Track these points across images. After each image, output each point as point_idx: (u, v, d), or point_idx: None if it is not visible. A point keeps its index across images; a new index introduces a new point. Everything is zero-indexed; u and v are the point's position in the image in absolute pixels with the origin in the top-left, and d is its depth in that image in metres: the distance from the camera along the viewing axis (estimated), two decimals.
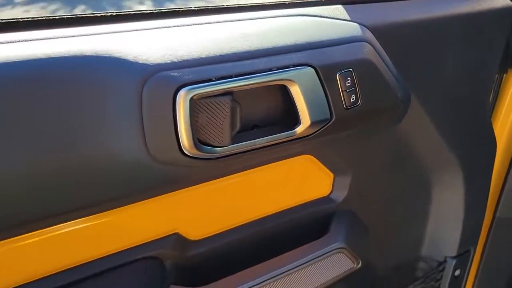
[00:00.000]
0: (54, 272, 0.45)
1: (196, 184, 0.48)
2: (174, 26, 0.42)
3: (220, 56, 0.40)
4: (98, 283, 0.47)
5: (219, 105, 0.40)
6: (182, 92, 0.38)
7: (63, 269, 0.46)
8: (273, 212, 0.59)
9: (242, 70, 0.41)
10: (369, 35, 0.50)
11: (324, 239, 0.60)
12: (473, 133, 0.70)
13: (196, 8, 0.44)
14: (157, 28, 0.41)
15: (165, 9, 0.43)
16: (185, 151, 0.40)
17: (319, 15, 0.49)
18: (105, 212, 0.45)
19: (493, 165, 0.77)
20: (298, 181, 0.60)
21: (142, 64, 0.38)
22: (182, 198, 0.50)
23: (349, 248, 0.60)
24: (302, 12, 0.49)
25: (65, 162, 0.38)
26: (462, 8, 0.61)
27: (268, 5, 0.49)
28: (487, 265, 0.94)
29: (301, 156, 0.58)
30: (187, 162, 0.41)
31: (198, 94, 0.39)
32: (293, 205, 0.61)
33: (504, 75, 0.78)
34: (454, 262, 0.79)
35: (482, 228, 0.91)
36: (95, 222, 0.45)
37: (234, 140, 0.43)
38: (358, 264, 0.63)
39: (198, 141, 0.41)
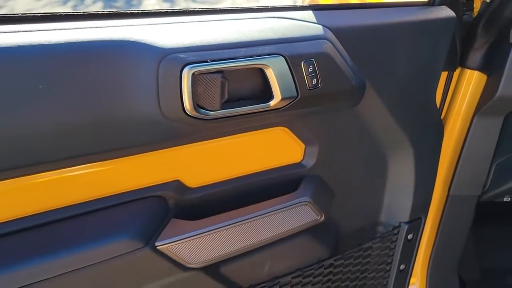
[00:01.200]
0: (85, 201, 0.61)
1: (194, 141, 0.65)
2: (181, 22, 0.59)
3: (215, 45, 0.57)
4: (115, 212, 0.63)
5: (212, 80, 0.57)
6: (186, 69, 0.54)
7: (90, 199, 0.62)
8: (254, 171, 0.75)
9: (230, 56, 0.57)
10: (330, 35, 0.66)
11: (293, 194, 0.76)
12: (421, 117, 0.86)
13: (199, 9, 0.61)
14: (170, 23, 0.58)
15: (176, 9, 0.60)
16: (187, 112, 0.56)
17: (293, 18, 0.65)
18: (122, 158, 0.61)
19: (440, 145, 0.93)
20: (275, 148, 0.76)
21: (159, 47, 0.54)
22: (182, 153, 0.67)
23: (313, 203, 0.76)
24: (280, 15, 0.65)
25: (100, 115, 0.54)
26: (411, 17, 0.77)
27: (254, 8, 0.65)
28: (443, 236, 1.09)
29: (278, 127, 0.74)
30: (188, 120, 0.57)
31: (198, 70, 0.55)
32: (271, 167, 0.77)
33: (453, 72, 0.95)
34: (407, 227, 0.95)
35: (439, 203, 1.07)
36: (114, 166, 0.61)
37: (223, 107, 0.59)
38: (321, 217, 0.79)
39: (197, 105, 0.57)
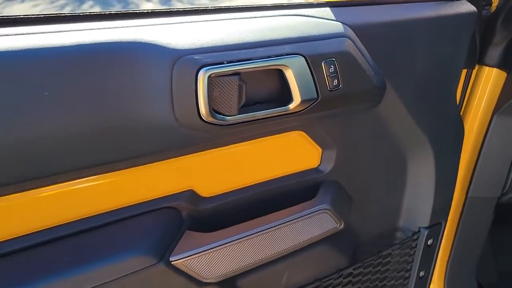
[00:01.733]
0: (95, 214, 0.57)
1: (209, 148, 0.60)
2: (195, 22, 0.55)
3: (231, 45, 0.53)
4: (126, 226, 0.59)
5: (229, 83, 0.53)
6: (202, 71, 0.50)
7: (98, 213, 0.58)
8: (271, 178, 0.71)
9: (247, 56, 0.53)
10: (351, 32, 0.63)
11: (312, 201, 0.72)
12: (442, 117, 0.82)
13: (212, 8, 0.57)
14: (182, 22, 0.54)
15: (189, 8, 0.56)
16: (202, 117, 0.52)
17: (310, 15, 0.61)
18: (134, 168, 0.57)
19: (461, 146, 0.89)
20: (292, 153, 0.72)
21: (173, 49, 0.50)
22: (195, 161, 0.63)
23: (333, 210, 0.72)
24: (296, 12, 0.61)
25: (111, 122, 0.50)
26: (431, 13, 0.73)
27: (269, 6, 0.61)
28: (461, 240, 1.06)
29: (294, 131, 0.70)
30: (203, 126, 0.53)
31: (215, 73, 0.51)
32: (287, 173, 0.73)
33: (473, 70, 0.91)
34: (426, 232, 0.91)
35: (457, 206, 1.03)
36: (125, 176, 0.57)
37: (240, 111, 0.55)
38: (341, 225, 0.75)
39: (213, 110, 0.53)
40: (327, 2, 0.67)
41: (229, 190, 0.68)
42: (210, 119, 0.53)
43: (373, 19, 0.67)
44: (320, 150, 0.74)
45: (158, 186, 0.61)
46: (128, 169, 0.57)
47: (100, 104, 0.48)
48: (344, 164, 0.76)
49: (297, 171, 0.74)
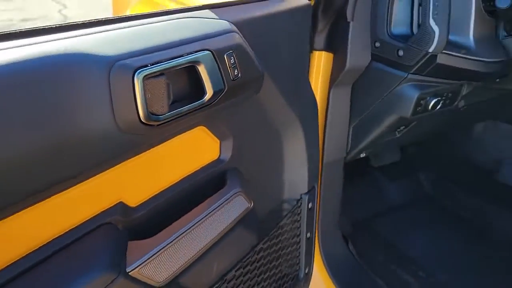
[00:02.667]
0: (24, 253, 0.52)
1: (145, 150, 0.61)
2: (119, 29, 0.55)
3: (154, 47, 0.55)
4: (74, 249, 0.56)
5: (159, 83, 0.55)
6: (137, 74, 0.51)
7: (32, 249, 0.53)
8: (185, 175, 0.74)
9: (168, 56, 0.56)
10: (235, 28, 0.71)
11: (224, 188, 0.78)
12: (302, 97, 0.97)
13: (129, 16, 0.59)
14: (108, 30, 0.54)
15: (111, 17, 0.56)
16: (142, 120, 0.53)
17: (203, 16, 0.68)
18: (65, 191, 0.54)
19: (317, 119, 1.06)
20: (197, 148, 0.76)
21: (106, 56, 0.50)
22: (121, 172, 0.62)
23: (243, 191, 0.80)
24: (193, 15, 0.66)
25: (50, 142, 0.47)
26: (279, 7, 0.86)
27: (169, 11, 0.65)
28: (323, 200, 1.24)
29: (197, 127, 0.74)
30: (143, 129, 0.54)
31: (147, 75, 0.53)
32: (198, 168, 0.77)
33: (310, 54, 1.09)
34: (307, 197, 1.06)
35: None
36: (59, 201, 0.54)
37: (170, 109, 0.58)
38: (251, 204, 0.82)
39: (149, 112, 0.55)
40: (207, 4, 0.74)
41: (153, 195, 0.68)
42: (148, 121, 0.54)
43: (243, 16, 0.77)
44: (219, 141, 0.81)
45: (90, 204, 0.59)
46: (59, 194, 0.54)
47: (37, 122, 0.45)
48: (239, 150, 0.84)
49: (204, 165, 0.78)
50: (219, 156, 0.81)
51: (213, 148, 0.80)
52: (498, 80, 1.12)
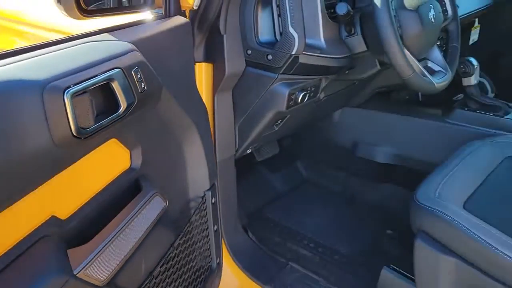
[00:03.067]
0: None
1: (71, 164, 0.66)
2: (42, 54, 0.60)
3: (76, 68, 0.62)
4: (13, 271, 0.59)
5: (83, 100, 0.62)
6: (66, 93, 0.58)
7: None
8: (105, 185, 0.81)
9: (90, 75, 0.64)
10: (134, 47, 0.80)
11: (142, 192, 0.86)
12: (195, 105, 1.09)
13: (50, 41, 0.64)
14: (37, 56, 0.59)
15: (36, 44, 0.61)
16: (74, 134, 0.60)
17: (106, 39, 0.75)
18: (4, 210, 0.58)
19: (209, 124, 1.19)
20: (112, 159, 0.83)
21: (37, 80, 0.56)
22: (51, 186, 0.67)
23: (159, 191, 0.88)
24: (99, 38, 0.74)
25: None
26: (160, 28, 0.96)
27: (77, 36, 0.71)
28: (223, 196, 1.37)
29: (111, 140, 0.81)
30: (75, 143, 0.61)
31: (75, 93, 0.60)
32: (115, 177, 0.84)
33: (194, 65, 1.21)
34: (209, 193, 1.17)
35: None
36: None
37: (95, 121, 0.65)
38: (167, 202, 0.91)
39: (79, 127, 0.61)
40: (102, 29, 0.81)
41: (81, 206, 0.74)
42: (79, 135, 0.61)
43: (136, 37, 0.86)
44: (129, 151, 0.88)
45: (27, 221, 0.63)
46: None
47: None
48: (147, 157, 0.92)
49: (120, 174, 0.85)
50: (131, 165, 0.89)
51: (125, 157, 0.87)
52: (347, 72, 1.37)
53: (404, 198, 1.69)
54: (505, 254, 0.96)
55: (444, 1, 1.37)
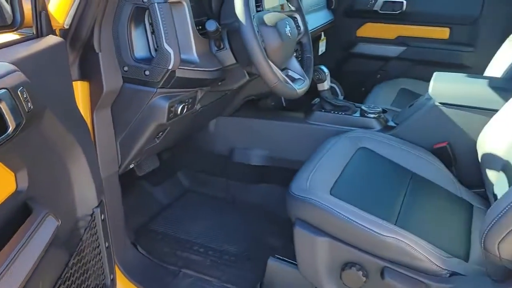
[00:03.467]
0: None
1: None
2: None
3: None
4: None
5: None
6: None
7: None
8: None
9: None
10: (16, 67, 0.79)
11: (33, 214, 0.85)
12: (77, 123, 1.08)
13: None
14: None
15: None
16: None
17: None
18: None
19: (92, 141, 1.19)
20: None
21: None
22: None
23: (51, 210, 0.88)
24: None
25: None
26: (33, 48, 0.95)
27: None
28: (110, 211, 1.35)
29: None
30: None
31: None
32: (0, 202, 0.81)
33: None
34: (98, 210, 1.17)
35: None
36: None
37: None
38: (59, 221, 0.91)
39: None
40: None
41: None
42: None
43: (15, 57, 0.85)
44: (14, 174, 0.86)
45: None
46: None
47: None
48: (34, 178, 0.91)
49: (6, 198, 0.83)
50: (17, 188, 0.87)
51: (10, 181, 0.85)
52: (220, 83, 1.48)
53: (279, 195, 1.87)
54: (369, 229, 1.15)
55: (296, 18, 1.57)
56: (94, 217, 1.15)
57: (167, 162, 1.97)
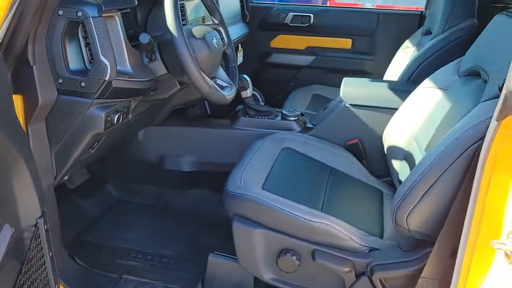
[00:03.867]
0: None
1: None
2: None
3: None
4: None
5: None
6: None
7: None
8: None
9: None
10: None
11: None
12: (18, 136, 1.10)
13: None
14: None
15: None
16: None
17: None
18: None
19: (31, 152, 1.20)
20: None
21: None
22: None
23: (3, 220, 0.90)
24: None
25: None
26: None
27: None
28: (50, 223, 1.36)
29: None
30: None
31: None
32: None
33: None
34: (41, 220, 1.18)
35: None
36: None
37: None
38: (13, 229, 0.93)
39: None
40: None
41: None
42: None
43: None
44: None
45: None
46: None
47: None
48: None
49: None
50: None
51: None
52: (152, 93, 1.55)
53: (211, 198, 1.97)
54: (300, 216, 1.30)
55: (220, 31, 1.69)
56: (38, 227, 1.16)
57: (96, 174, 1.98)
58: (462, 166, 1.06)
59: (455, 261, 1.03)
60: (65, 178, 1.48)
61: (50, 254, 1.21)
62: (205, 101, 2.16)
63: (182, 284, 1.54)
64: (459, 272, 1.02)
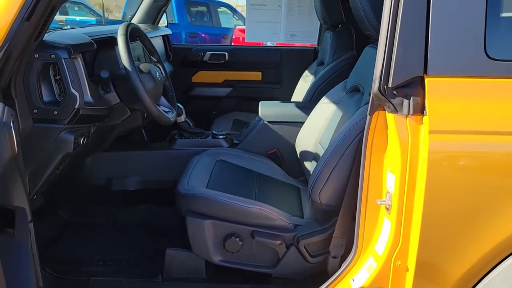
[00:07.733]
0: None
1: None
2: None
3: None
4: None
5: None
6: None
7: None
8: None
9: None
10: None
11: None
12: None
13: None
14: None
15: None
16: None
17: None
18: None
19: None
20: None
21: None
22: None
23: None
24: None
25: None
26: None
27: None
28: None
29: None
30: None
31: None
32: None
33: None
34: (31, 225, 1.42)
35: None
36: None
37: None
38: None
39: None
40: None
41: None
42: None
43: None
44: None
45: None
46: None
47: None
48: None
49: None
50: None
51: None
52: (107, 119, 1.85)
53: (157, 211, 2.27)
54: (240, 204, 1.67)
55: (159, 67, 2.05)
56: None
57: (47, 198, 2.17)
58: (352, 151, 1.51)
59: (355, 223, 1.45)
60: (35, 197, 1.70)
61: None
62: (143, 129, 2.48)
63: (146, 277, 1.80)
64: (358, 229, 1.44)
